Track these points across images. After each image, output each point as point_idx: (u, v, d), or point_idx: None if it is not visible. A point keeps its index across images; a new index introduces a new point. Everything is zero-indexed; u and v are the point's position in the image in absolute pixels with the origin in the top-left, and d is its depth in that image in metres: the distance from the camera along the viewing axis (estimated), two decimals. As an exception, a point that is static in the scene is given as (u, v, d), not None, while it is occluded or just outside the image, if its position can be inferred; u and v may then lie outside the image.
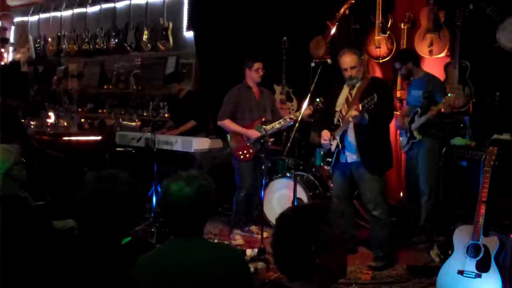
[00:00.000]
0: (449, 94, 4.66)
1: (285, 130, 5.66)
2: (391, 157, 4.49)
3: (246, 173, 5.11)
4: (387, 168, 4.57)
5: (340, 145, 4.33)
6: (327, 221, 1.72)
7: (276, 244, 1.76)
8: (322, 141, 4.44)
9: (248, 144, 5.05)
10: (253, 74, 5.12)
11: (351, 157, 4.34)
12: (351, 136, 4.31)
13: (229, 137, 5.23)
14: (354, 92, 4.34)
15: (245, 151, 5.05)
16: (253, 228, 5.29)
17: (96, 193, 2.03)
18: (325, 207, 1.79)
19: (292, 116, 5.03)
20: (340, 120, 4.36)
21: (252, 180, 5.15)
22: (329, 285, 1.81)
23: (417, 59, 5.09)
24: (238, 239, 5.09)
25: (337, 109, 4.42)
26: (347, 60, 4.30)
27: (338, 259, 1.76)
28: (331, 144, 4.38)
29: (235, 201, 5.16)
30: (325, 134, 4.40)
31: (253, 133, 5.03)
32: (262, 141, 4.96)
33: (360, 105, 4.03)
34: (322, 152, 5.42)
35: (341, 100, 4.43)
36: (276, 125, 5.03)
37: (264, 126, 5.02)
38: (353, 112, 4.09)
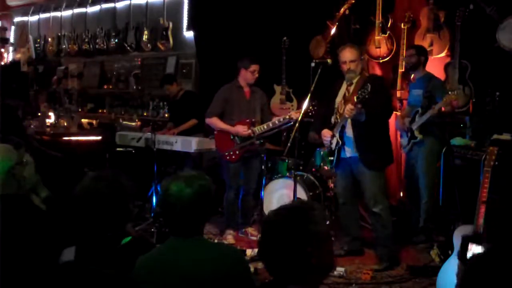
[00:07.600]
0: (450, 92, 4.66)
1: (285, 130, 5.66)
2: (390, 153, 4.45)
3: (234, 173, 5.07)
4: (387, 164, 4.54)
5: (340, 142, 4.33)
6: (314, 220, 1.72)
7: (267, 250, 1.75)
8: (323, 140, 4.43)
9: (234, 144, 4.98)
10: (248, 75, 5.03)
11: (350, 152, 4.33)
12: (349, 132, 4.30)
13: (214, 136, 5.19)
14: (352, 88, 4.33)
15: (231, 152, 4.98)
16: (250, 230, 5.27)
17: (82, 191, 2.15)
18: (307, 206, 1.79)
19: (281, 119, 4.97)
20: (338, 117, 4.35)
21: (243, 181, 5.14)
22: (322, 281, 1.84)
23: (427, 60, 5.09)
24: (229, 239, 5.05)
25: (336, 106, 4.41)
26: (347, 54, 4.30)
27: (329, 254, 1.78)
28: (331, 142, 4.38)
29: (226, 200, 5.11)
30: (326, 132, 4.41)
31: (241, 129, 4.94)
32: (249, 142, 4.90)
33: (354, 97, 4.04)
34: (322, 152, 5.44)
35: (339, 97, 4.43)
36: (265, 127, 4.99)
37: (252, 128, 4.97)
38: (349, 106, 4.09)
